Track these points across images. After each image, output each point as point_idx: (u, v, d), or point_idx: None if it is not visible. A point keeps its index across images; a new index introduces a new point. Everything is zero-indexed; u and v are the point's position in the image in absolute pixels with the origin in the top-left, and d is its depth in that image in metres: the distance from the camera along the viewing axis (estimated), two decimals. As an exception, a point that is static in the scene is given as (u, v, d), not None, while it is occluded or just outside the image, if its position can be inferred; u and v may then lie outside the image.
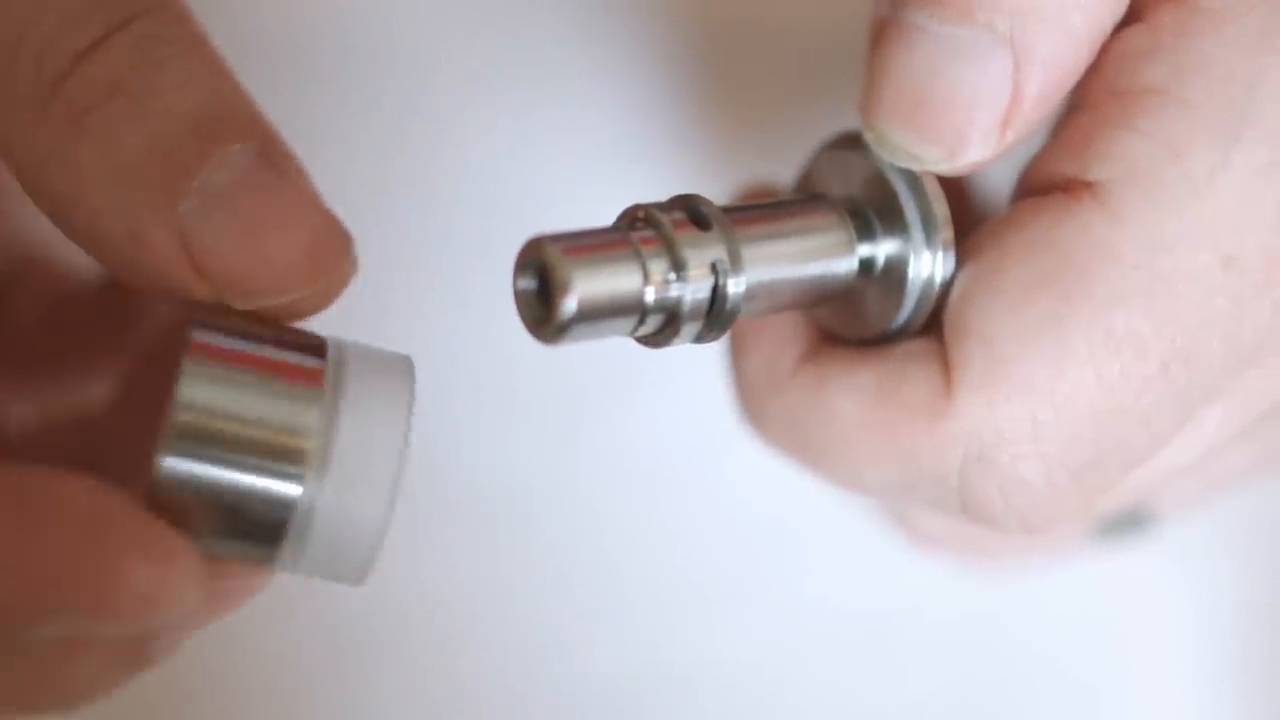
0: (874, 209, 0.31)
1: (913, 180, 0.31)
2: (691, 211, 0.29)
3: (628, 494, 0.46)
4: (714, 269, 0.29)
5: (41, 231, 0.30)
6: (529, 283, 0.28)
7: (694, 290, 0.29)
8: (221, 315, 0.28)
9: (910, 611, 0.47)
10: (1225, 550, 0.48)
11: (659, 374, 0.44)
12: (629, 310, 0.28)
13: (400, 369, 0.29)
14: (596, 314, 0.27)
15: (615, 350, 0.45)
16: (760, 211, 0.30)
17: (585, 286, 0.27)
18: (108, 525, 0.25)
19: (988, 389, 0.29)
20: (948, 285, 0.31)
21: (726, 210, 0.29)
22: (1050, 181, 0.30)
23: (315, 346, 0.28)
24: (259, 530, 0.27)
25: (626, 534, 0.46)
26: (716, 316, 0.29)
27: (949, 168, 0.30)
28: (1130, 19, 0.30)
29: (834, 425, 0.31)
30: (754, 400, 0.33)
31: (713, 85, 0.42)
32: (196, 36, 0.27)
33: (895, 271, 0.31)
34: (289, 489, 0.27)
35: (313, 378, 0.28)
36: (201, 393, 0.27)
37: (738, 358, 0.33)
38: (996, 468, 0.30)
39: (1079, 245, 0.29)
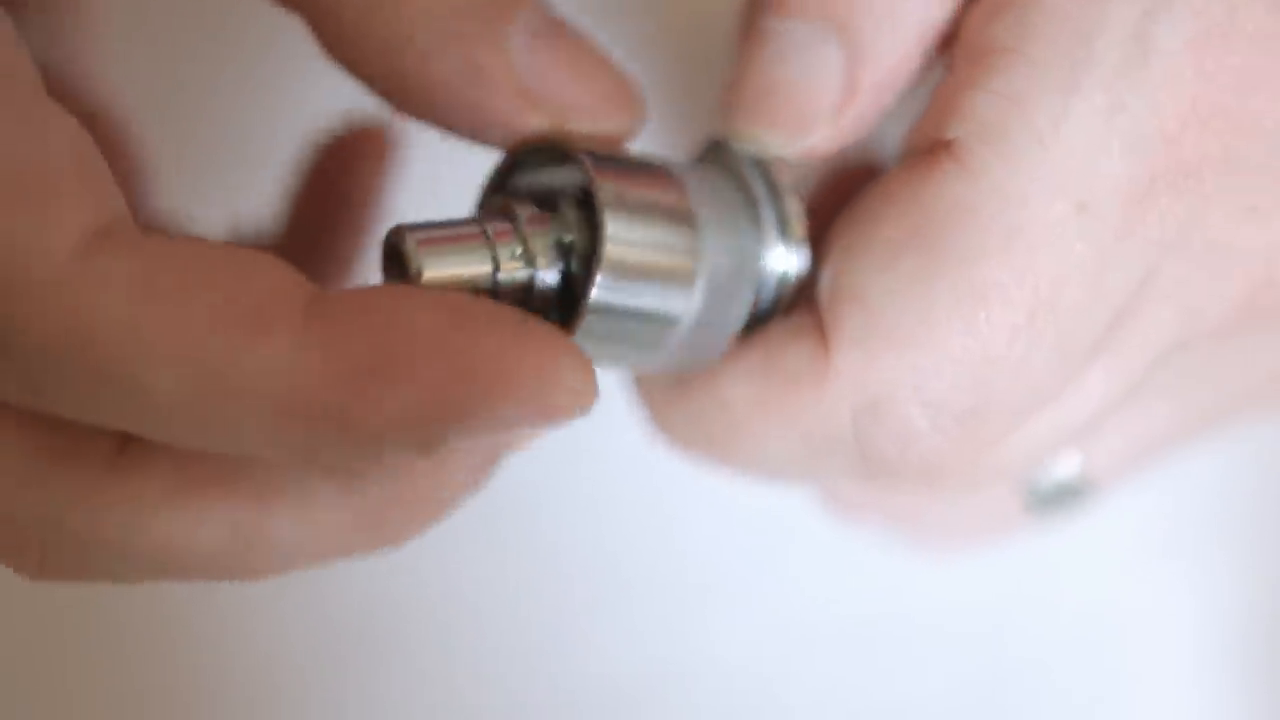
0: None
1: (768, 179, 0.32)
2: (546, 199, 0.30)
3: (626, 493, 0.46)
4: (559, 250, 0.30)
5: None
6: (390, 270, 0.29)
7: (544, 275, 0.30)
8: (575, 148, 0.30)
9: (909, 612, 0.47)
10: (1225, 550, 0.48)
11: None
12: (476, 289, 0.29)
13: (738, 161, 0.32)
14: None
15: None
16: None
17: (433, 273, 0.28)
18: (535, 331, 0.27)
19: (864, 344, 0.31)
20: (804, 278, 0.32)
21: (588, 195, 0.30)
22: (916, 147, 0.31)
23: (661, 168, 0.31)
24: (643, 342, 0.31)
25: (625, 533, 0.46)
26: (571, 303, 0.30)
27: (793, 151, 0.32)
28: None
29: (729, 414, 0.32)
30: (655, 407, 0.33)
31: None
32: None
33: (748, 269, 0.32)
34: (678, 307, 0.30)
35: (681, 199, 0.30)
36: (621, 226, 0.29)
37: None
38: (884, 416, 0.31)
39: (938, 203, 0.30)
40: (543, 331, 0.28)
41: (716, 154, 0.32)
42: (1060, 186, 0.30)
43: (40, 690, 0.47)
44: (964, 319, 0.30)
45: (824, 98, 0.32)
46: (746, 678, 0.47)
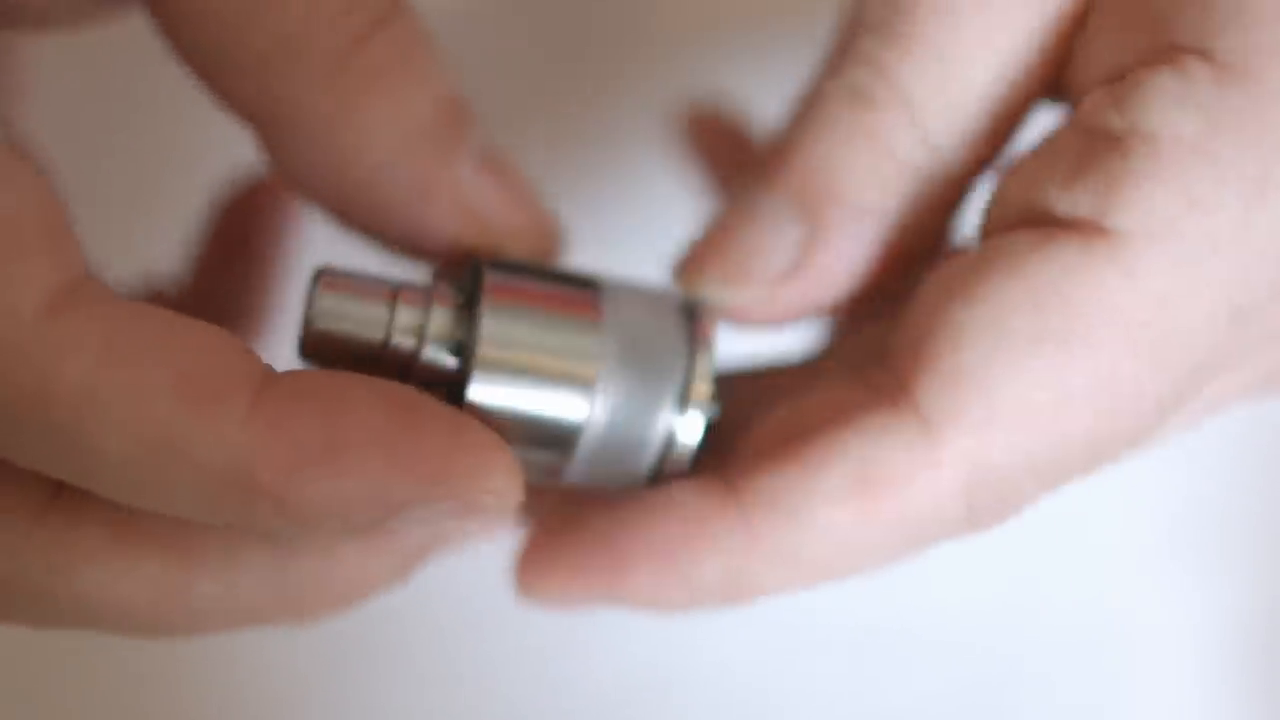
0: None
1: (691, 324, 0.32)
2: (468, 290, 0.31)
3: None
4: (456, 338, 0.30)
5: None
6: (308, 304, 0.30)
7: (433, 353, 0.30)
8: (495, 257, 0.31)
9: (908, 614, 0.47)
10: (1226, 550, 0.48)
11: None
12: (366, 351, 0.30)
13: (672, 300, 0.32)
14: (331, 344, 0.30)
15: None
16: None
17: (326, 311, 0.30)
18: (469, 432, 0.28)
19: (982, 430, 0.30)
20: (692, 449, 0.31)
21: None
22: (1053, 215, 0.30)
23: (587, 281, 0.31)
24: (548, 446, 0.30)
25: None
26: (457, 398, 0.30)
27: (726, 300, 0.32)
28: (1153, 60, 0.30)
29: (833, 537, 0.31)
30: (727, 567, 0.32)
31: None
32: (428, 40, 0.31)
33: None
34: (578, 411, 0.30)
35: (592, 308, 0.30)
36: (500, 328, 0.30)
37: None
38: (997, 495, 0.30)
39: (1088, 301, 0.29)
40: (476, 433, 0.28)
41: (655, 293, 0.32)
42: (1221, 293, 0.29)
43: (40, 691, 0.46)
44: (1096, 412, 0.30)
45: (771, 261, 0.32)
46: (745, 680, 0.47)
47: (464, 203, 0.31)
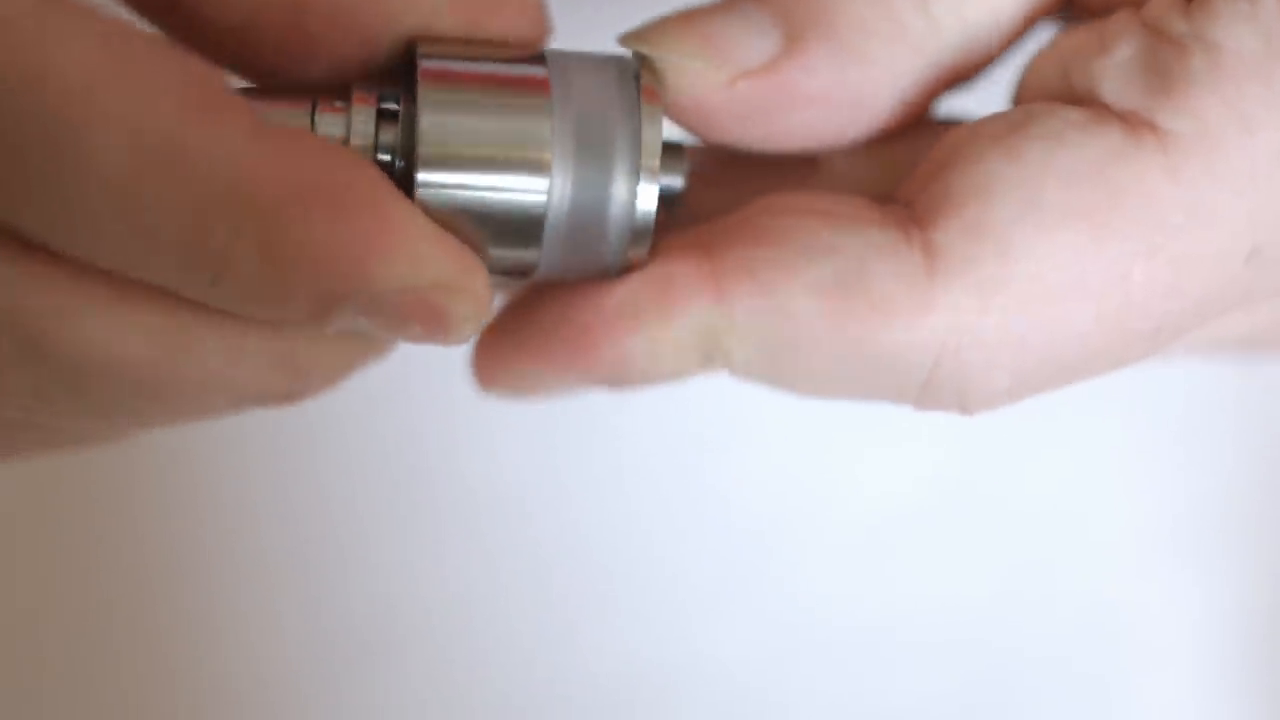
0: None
1: (638, 108, 0.30)
2: (384, 98, 0.29)
3: (620, 495, 0.46)
4: (384, 136, 0.29)
5: None
6: None
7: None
8: (438, 40, 0.29)
9: (907, 613, 0.47)
10: (1226, 550, 0.48)
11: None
12: None
13: (619, 66, 0.30)
14: None
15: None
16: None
17: None
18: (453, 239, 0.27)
19: (987, 291, 0.29)
20: (649, 218, 0.30)
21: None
22: (1099, 98, 0.30)
23: (534, 57, 0.29)
24: (514, 239, 0.29)
25: (619, 535, 0.46)
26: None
27: (686, 67, 0.30)
28: None
29: (792, 325, 0.29)
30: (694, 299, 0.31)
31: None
32: None
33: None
34: (535, 198, 0.28)
35: (538, 84, 0.29)
36: (441, 120, 0.28)
37: None
38: (968, 369, 0.29)
39: (1130, 189, 0.29)
40: (455, 241, 0.27)
41: (601, 60, 0.30)
42: (1248, 223, 0.29)
43: (41, 691, 0.46)
44: (1099, 309, 0.29)
45: (739, 50, 0.30)
46: (745, 679, 0.47)
47: None
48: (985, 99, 0.33)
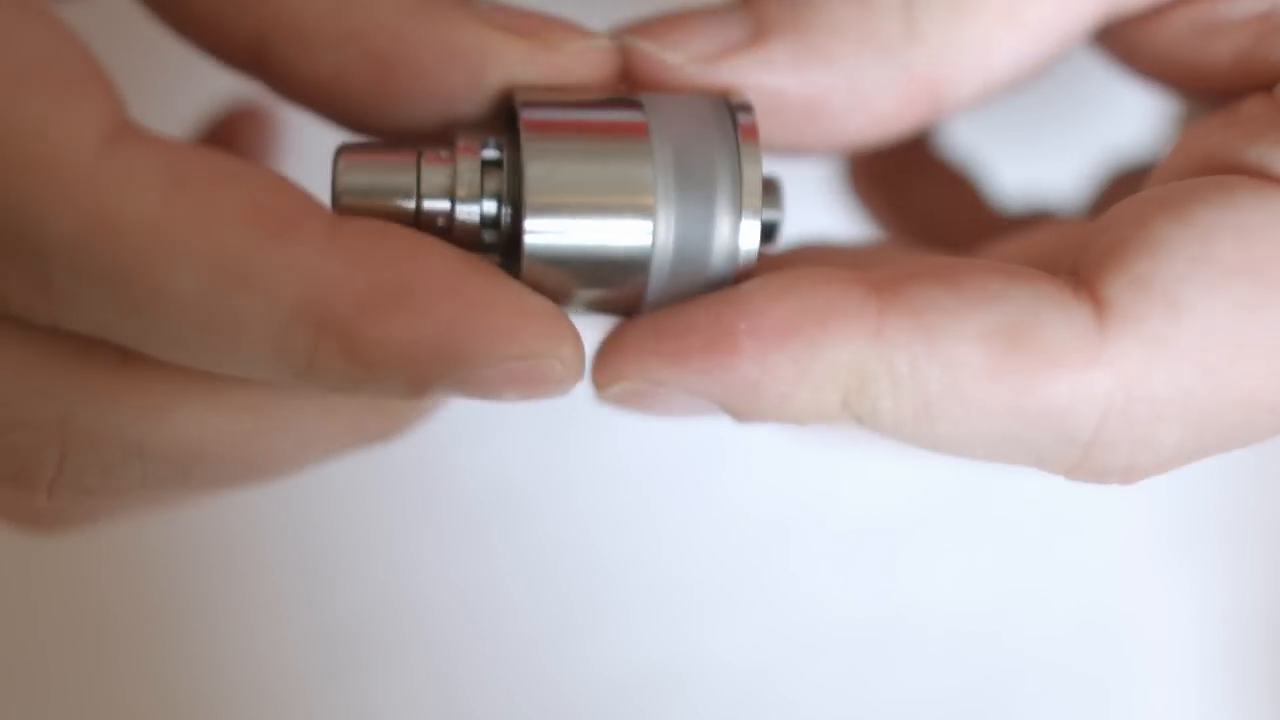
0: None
1: (735, 133, 0.30)
2: (486, 145, 0.29)
3: (624, 495, 0.46)
4: (491, 184, 0.29)
5: None
6: (333, 184, 0.29)
7: (467, 208, 0.29)
8: (534, 88, 0.29)
9: (909, 612, 0.47)
10: (1225, 550, 0.48)
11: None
12: (400, 221, 0.28)
13: (710, 105, 0.30)
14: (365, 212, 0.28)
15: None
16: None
17: (351, 187, 0.28)
18: (534, 300, 0.27)
19: (1157, 345, 0.28)
20: (749, 264, 0.30)
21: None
22: (1244, 167, 0.29)
23: (629, 100, 0.29)
24: (620, 280, 0.29)
25: (623, 535, 0.46)
26: (503, 244, 0.29)
27: (656, 54, 0.30)
28: None
29: (953, 376, 0.28)
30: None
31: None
32: None
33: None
34: (640, 241, 0.28)
35: (635, 128, 0.29)
36: (545, 170, 0.28)
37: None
38: (1135, 427, 0.28)
39: None
40: (543, 302, 0.28)
41: (694, 101, 0.30)
42: None
43: (41, 691, 0.46)
44: (1270, 366, 0.28)
45: (701, 40, 0.30)
46: (746, 678, 0.47)
47: (499, 25, 0.29)
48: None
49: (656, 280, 0.29)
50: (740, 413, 0.29)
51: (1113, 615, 0.48)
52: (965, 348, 0.28)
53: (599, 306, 0.29)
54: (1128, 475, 0.29)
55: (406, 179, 0.28)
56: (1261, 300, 0.28)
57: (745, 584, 0.46)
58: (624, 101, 0.29)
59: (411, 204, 0.28)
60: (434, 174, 0.29)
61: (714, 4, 0.31)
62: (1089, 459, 0.29)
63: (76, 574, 0.45)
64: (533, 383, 0.27)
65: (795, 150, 0.32)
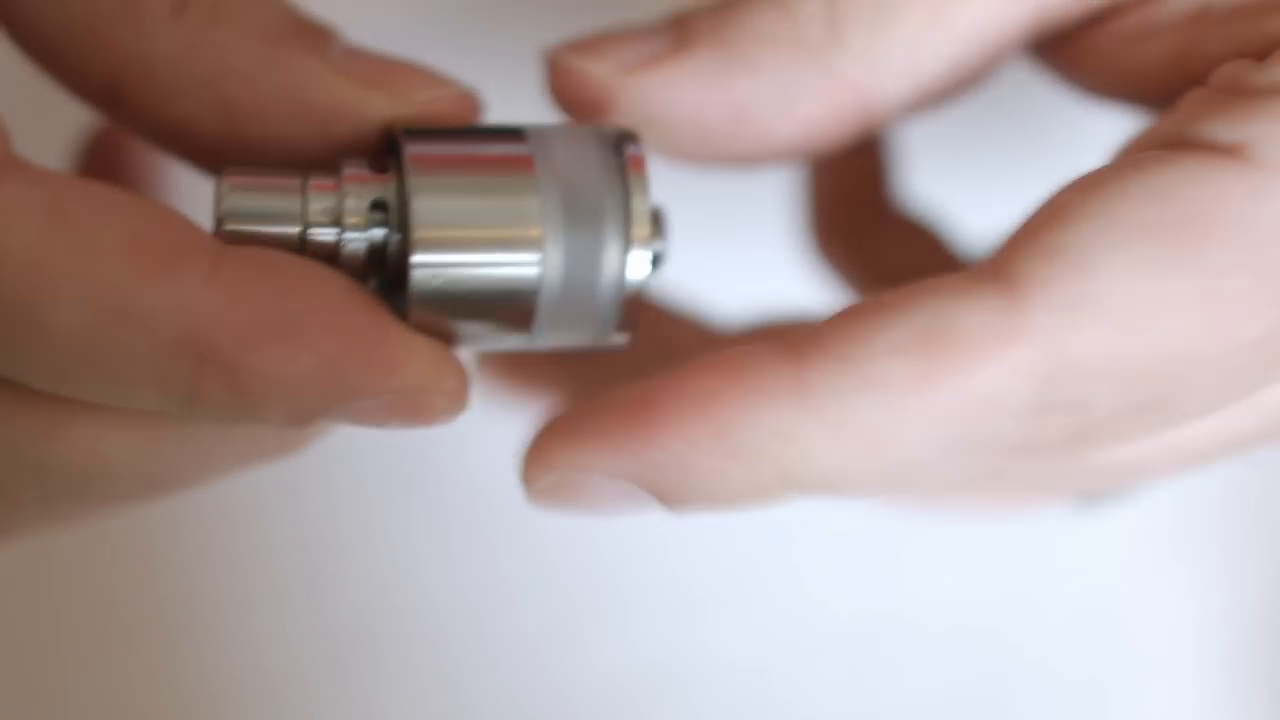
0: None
1: (623, 169, 0.30)
2: (377, 173, 0.29)
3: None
4: (377, 216, 0.29)
5: None
6: (215, 207, 0.29)
7: (352, 237, 0.29)
8: (413, 122, 0.30)
9: (909, 612, 0.47)
10: (1225, 550, 0.48)
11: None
12: (284, 248, 0.28)
13: (598, 137, 0.30)
14: (246, 244, 0.28)
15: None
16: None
17: (234, 211, 0.28)
18: (422, 335, 0.28)
19: (1071, 310, 0.28)
20: (635, 289, 0.30)
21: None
22: (1187, 139, 0.29)
23: (510, 132, 0.30)
24: (508, 313, 0.29)
25: (623, 535, 0.46)
26: (389, 274, 0.29)
27: (578, 67, 0.31)
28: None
29: (884, 396, 0.28)
30: (767, 425, 0.29)
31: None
32: None
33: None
34: (528, 273, 0.29)
35: (522, 161, 0.29)
36: (431, 203, 0.28)
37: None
38: (1072, 386, 0.28)
39: (1211, 205, 0.28)
40: (429, 337, 0.28)
41: (581, 132, 0.31)
42: None
43: (41, 691, 0.47)
44: (1195, 320, 0.28)
45: (630, 50, 0.30)
46: (748, 678, 0.47)
47: (352, 76, 0.29)
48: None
49: (545, 311, 0.29)
50: (670, 497, 0.29)
51: (1113, 615, 0.48)
52: (885, 366, 0.28)
53: (488, 337, 0.29)
54: (1080, 441, 0.29)
55: (291, 205, 0.28)
56: (1173, 257, 0.28)
57: (745, 584, 0.46)
58: (508, 133, 0.29)
59: (296, 230, 0.28)
60: (319, 201, 0.28)
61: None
62: (1037, 432, 0.29)
63: (79, 574, 0.45)
64: (415, 414, 0.28)
65: (725, 161, 0.31)
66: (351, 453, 0.45)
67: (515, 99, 0.40)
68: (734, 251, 0.43)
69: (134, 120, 0.30)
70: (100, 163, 0.37)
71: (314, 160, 0.29)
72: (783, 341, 0.28)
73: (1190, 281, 0.28)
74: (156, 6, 0.29)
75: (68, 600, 0.46)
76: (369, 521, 0.46)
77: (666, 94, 0.30)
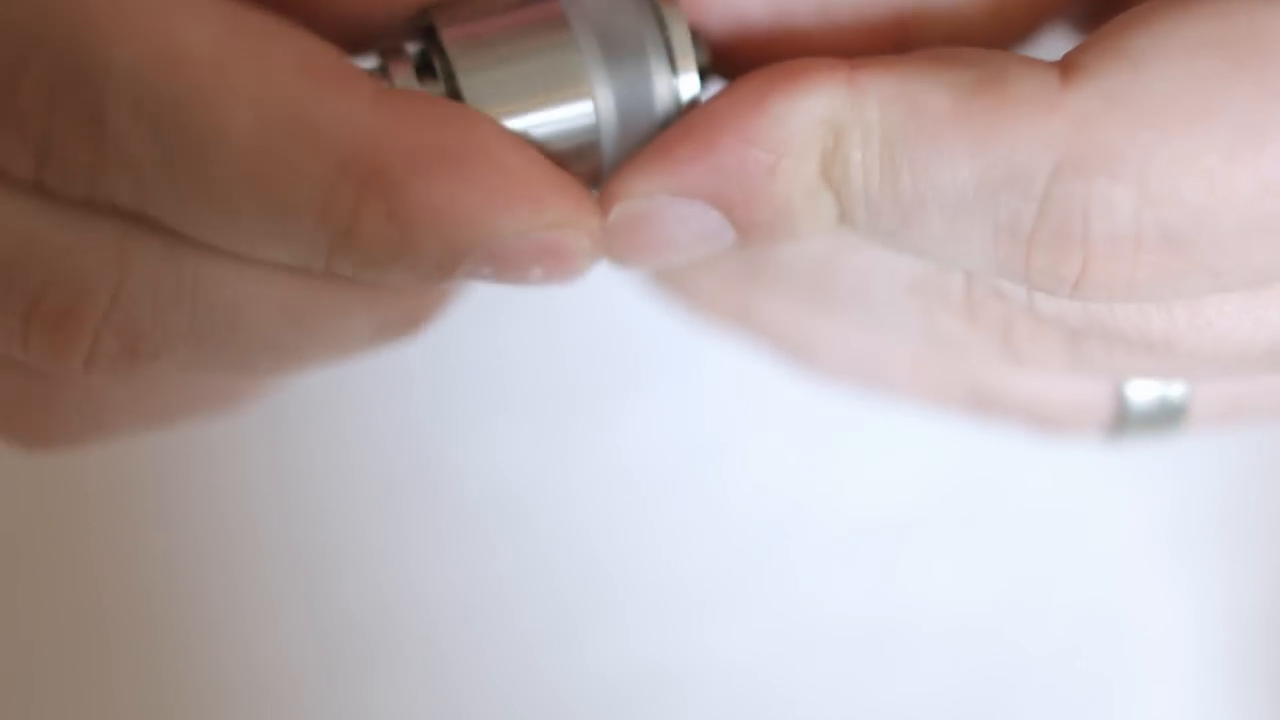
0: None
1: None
2: (422, 55, 0.30)
3: (623, 494, 0.46)
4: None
5: None
6: None
7: None
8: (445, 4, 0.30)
9: (908, 612, 0.47)
10: (1225, 550, 0.48)
11: (655, 373, 0.44)
12: None
13: None
14: None
15: (611, 350, 0.44)
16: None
17: None
18: (567, 178, 0.28)
19: (1114, 103, 0.28)
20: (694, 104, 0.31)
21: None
22: None
23: None
24: (576, 160, 0.30)
25: (622, 535, 0.46)
26: None
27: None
28: None
29: (919, 120, 0.28)
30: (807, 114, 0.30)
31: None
32: None
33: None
34: (585, 123, 0.30)
35: (556, 17, 0.30)
36: (477, 76, 0.29)
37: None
38: (1092, 181, 0.28)
39: (1276, 30, 0.28)
40: (570, 178, 0.28)
41: None
42: None
43: (41, 691, 0.46)
44: (1231, 142, 0.28)
45: None
46: (745, 679, 0.47)
47: None
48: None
49: (610, 156, 0.30)
50: (736, 208, 0.29)
51: (1113, 615, 0.48)
52: (933, 94, 0.28)
53: None
54: (1088, 269, 0.29)
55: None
56: (1229, 73, 0.28)
57: (745, 584, 0.46)
58: None
59: None
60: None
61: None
62: (1044, 225, 0.29)
63: (72, 573, 0.45)
64: (559, 257, 0.28)
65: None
66: (347, 452, 0.45)
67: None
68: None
69: None
70: None
71: (353, 33, 0.30)
72: (838, 59, 0.29)
73: (1241, 99, 0.28)
74: None
75: (62, 599, 0.46)
76: (364, 521, 0.46)
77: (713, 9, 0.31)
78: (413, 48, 0.30)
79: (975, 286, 0.32)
